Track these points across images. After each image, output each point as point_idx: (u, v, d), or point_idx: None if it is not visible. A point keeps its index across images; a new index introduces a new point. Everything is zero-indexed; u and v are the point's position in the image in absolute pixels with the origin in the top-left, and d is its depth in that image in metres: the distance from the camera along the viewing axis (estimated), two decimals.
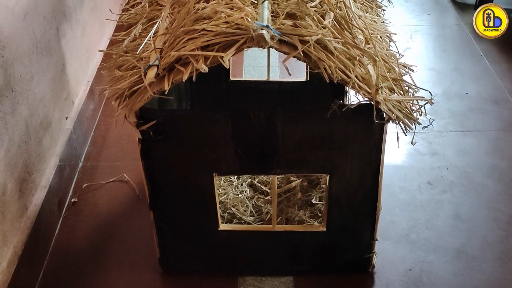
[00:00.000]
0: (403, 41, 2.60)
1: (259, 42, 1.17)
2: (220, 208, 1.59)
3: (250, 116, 1.31)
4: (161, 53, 1.30)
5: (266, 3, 1.27)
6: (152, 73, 1.25)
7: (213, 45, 1.21)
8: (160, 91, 1.23)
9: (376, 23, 1.65)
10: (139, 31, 1.48)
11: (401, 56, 1.54)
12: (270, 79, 2.05)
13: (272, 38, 1.18)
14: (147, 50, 1.39)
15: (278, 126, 1.32)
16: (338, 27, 1.32)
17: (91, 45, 2.18)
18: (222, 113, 1.31)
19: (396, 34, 1.65)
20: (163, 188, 1.42)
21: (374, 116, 1.24)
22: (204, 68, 1.17)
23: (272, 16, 1.26)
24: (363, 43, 1.35)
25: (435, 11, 2.89)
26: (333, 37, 1.24)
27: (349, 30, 1.33)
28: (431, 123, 1.37)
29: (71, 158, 1.89)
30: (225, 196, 1.77)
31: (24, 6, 1.58)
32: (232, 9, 1.26)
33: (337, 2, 1.39)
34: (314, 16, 1.27)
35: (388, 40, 1.62)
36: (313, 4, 1.31)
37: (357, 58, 1.23)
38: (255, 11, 1.25)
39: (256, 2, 1.29)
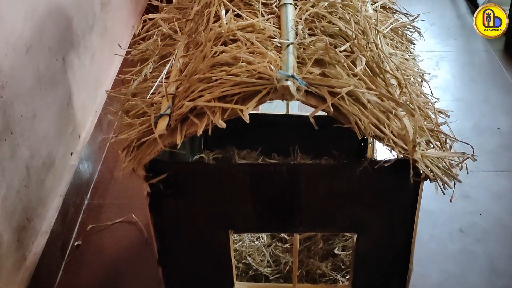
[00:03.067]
0: (429, 68, 2.45)
1: (284, 95, 1.04)
2: (234, 257, 1.47)
3: (271, 171, 1.18)
4: (174, 100, 1.18)
5: (291, 47, 1.14)
6: (163, 124, 1.12)
7: (231, 94, 1.09)
8: (171, 144, 1.11)
9: (408, 60, 1.51)
10: (150, 70, 1.36)
11: (436, 100, 1.41)
12: (290, 113, 1.93)
13: (298, 89, 1.06)
14: (158, 92, 1.27)
15: (302, 181, 1.19)
16: (370, 73, 1.19)
17: (100, 73, 2.06)
18: (240, 167, 1.19)
19: (429, 74, 1.52)
20: (174, 244, 1.30)
21: (411, 176, 1.11)
22: (222, 124, 1.04)
23: (297, 62, 1.13)
24: (397, 90, 1.22)
25: (462, 36, 2.75)
26: (366, 88, 1.11)
27: (382, 76, 1.19)
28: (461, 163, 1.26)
29: (76, 197, 1.77)
30: (240, 243, 1.64)
31: (27, 39, 1.46)
32: (254, 53, 1.13)
33: (368, 43, 1.26)
34: (345, 63, 1.13)
35: (420, 80, 1.49)
36: (342, 48, 1.17)
37: (393, 112, 1.10)
38: (279, 57, 1.13)
39: (279, 45, 1.16)
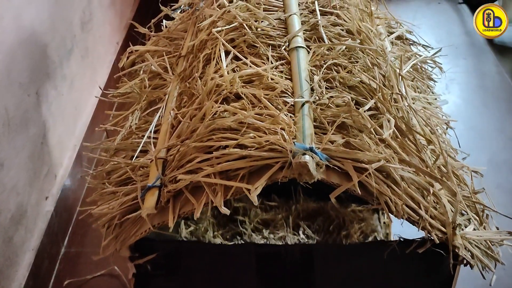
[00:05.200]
0: (438, 92, 2.27)
1: (301, 175, 0.85)
2: None
3: (281, 252, 0.99)
4: (164, 167, 0.98)
5: (306, 107, 0.95)
6: (152, 200, 0.93)
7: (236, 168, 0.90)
8: (162, 224, 0.92)
9: (431, 104, 1.33)
10: (136, 121, 1.16)
11: (467, 155, 1.23)
12: None
13: (317, 164, 0.87)
14: (144, 147, 1.07)
15: (317, 263, 1.00)
16: (398, 134, 1.00)
17: (80, 100, 1.85)
18: (243, 248, 0.99)
19: (456, 121, 1.34)
20: None
21: (451, 264, 0.93)
22: (225, 211, 0.85)
23: (314, 125, 0.94)
24: (428, 151, 1.03)
25: (471, 55, 2.57)
26: (398, 160, 0.92)
27: (412, 137, 1.01)
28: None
29: (51, 247, 1.56)
30: None
31: None
32: (262, 115, 0.94)
33: (392, 93, 1.08)
34: (372, 128, 0.94)
35: (445, 127, 1.31)
36: (367, 107, 0.98)
37: (431, 191, 0.91)
38: (293, 120, 0.93)
39: (292, 104, 0.97)
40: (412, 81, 1.34)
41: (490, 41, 2.62)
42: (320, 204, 1.67)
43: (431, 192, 0.91)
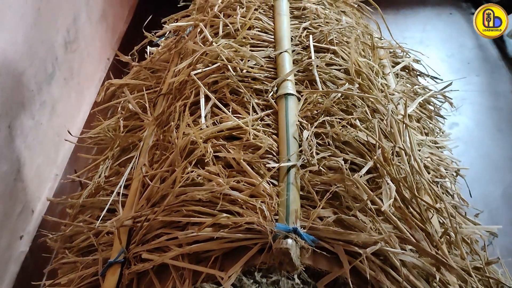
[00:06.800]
0: (449, 112, 2.12)
1: (282, 264, 0.72)
2: None
3: None
4: (130, 237, 0.86)
5: (292, 174, 0.81)
6: (112, 280, 0.81)
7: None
8: None
9: (439, 148, 1.20)
10: (106, 173, 1.03)
11: (479, 212, 1.11)
12: None
13: (303, 247, 0.74)
14: (112, 205, 0.95)
15: None
16: (399, 199, 0.86)
17: (63, 126, 1.72)
18: None
19: (468, 168, 1.21)
20: None
21: None
22: None
23: (302, 196, 0.80)
24: (434, 215, 0.90)
25: (485, 72, 2.41)
26: (398, 238, 0.79)
27: (416, 203, 0.87)
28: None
29: None
30: None
31: None
32: (240, 182, 0.81)
33: (394, 147, 0.94)
34: (368, 200, 0.81)
35: (455, 174, 1.18)
36: (364, 171, 0.84)
37: (437, 278, 0.78)
38: (276, 189, 0.80)
39: (277, 168, 0.83)
40: (418, 121, 1.21)
41: (504, 55, 2.47)
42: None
43: (437, 278, 0.78)
